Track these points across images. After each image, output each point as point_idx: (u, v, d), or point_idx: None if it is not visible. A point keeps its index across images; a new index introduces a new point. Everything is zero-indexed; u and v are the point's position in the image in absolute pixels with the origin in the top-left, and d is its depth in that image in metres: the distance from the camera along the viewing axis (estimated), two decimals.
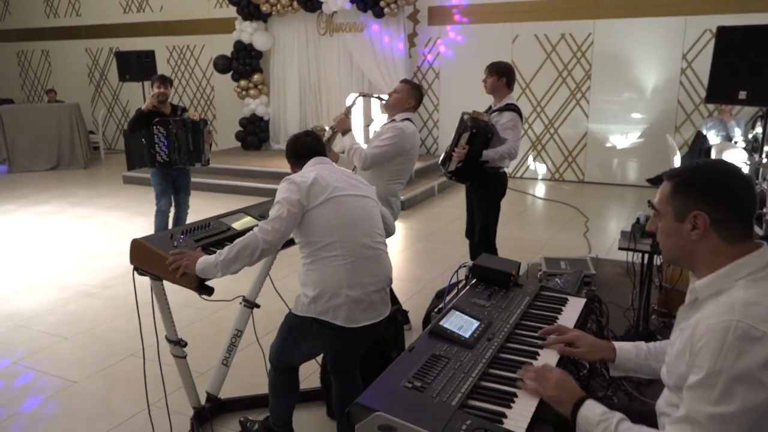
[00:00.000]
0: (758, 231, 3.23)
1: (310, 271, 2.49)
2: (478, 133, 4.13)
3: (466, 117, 4.25)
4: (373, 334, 2.61)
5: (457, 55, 9.49)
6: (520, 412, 1.52)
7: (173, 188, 5.70)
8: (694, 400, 1.40)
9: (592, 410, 1.56)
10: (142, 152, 9.89)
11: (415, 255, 5.99)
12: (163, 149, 5.41)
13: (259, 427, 3.01)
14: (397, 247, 6.19)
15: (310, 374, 3.51)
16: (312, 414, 3.24)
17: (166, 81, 5.57)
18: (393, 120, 3.83)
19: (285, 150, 2.85)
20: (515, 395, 1.60)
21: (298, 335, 2.58)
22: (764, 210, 3.11)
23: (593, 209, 7.46)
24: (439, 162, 4.65)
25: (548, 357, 1.83)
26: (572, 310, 2.16)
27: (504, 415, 1.51)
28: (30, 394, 3.49)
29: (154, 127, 5.34)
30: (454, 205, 7.69)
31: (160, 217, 5.72)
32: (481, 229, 4.51)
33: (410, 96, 3.84)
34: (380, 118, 9.40)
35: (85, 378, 3.67)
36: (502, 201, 4.54)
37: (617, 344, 1.90)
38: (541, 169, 9.40)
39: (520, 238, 6.31)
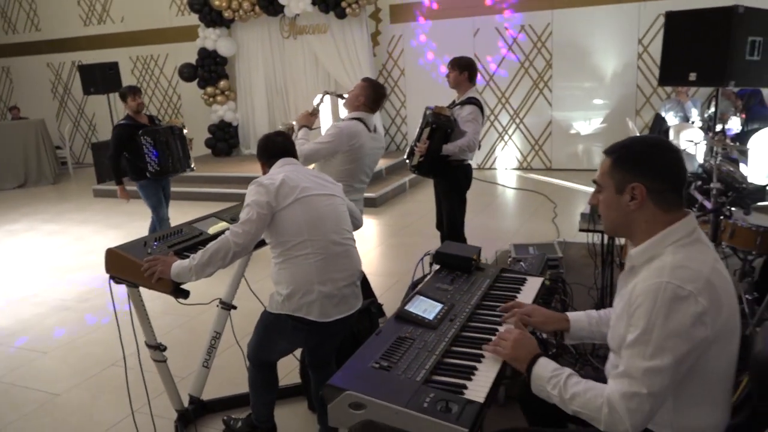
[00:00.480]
0: (707, 204, 3.40)
1: (282, 270, 2.58)
2: (438, 128, 4.24)
3: (428, 112, 4.36)
4: (346, 327, 2.71)
5: (421, 50, 9.60)
6: (480, 383, 1.63)
7: (163, 197, 5.63)
8: (631, 357, 1.54)
9: (544, 368, 1.69)
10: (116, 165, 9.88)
11: (389, 250, 6.10)
12: (153, 159, 5.31)
13: (242, 425, 3.08)
14: (371, 242, 6.29)
15: (290, 371, 3.59)
16: (294, 409, 3.33)
17: (139, 91, 5.52)
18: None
19: (256, 149, 2.90)
20: (476, 369, 1.71)
21: (274, 332, 2.67)
22: (711, 185, 3.29)
23: (561, 195, 7.64)
24: (405, 156, 4.77)
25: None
26: (530, 288, 2.29)
27: (465, 387, 1.62)
28: (12, 410, 3.52)
29: (142, 138, 5.24)
30: (426, 199, 7.81)
31: (167, 225, 5.59)
32: (449, 221, 4.63)
33: (360, 93, 3.81)
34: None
35: (68, 390, 3.70)
36: (470, 192, 4.66)
37: (570, 314, 2.04)
38: (509, 159, 9.57)
39: (490, 228, 6.46)
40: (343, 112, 8.60)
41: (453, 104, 4.62)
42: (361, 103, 3.82)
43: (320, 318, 2.56)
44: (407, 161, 4.69)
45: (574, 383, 1.63)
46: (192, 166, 5.71)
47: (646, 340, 1.52)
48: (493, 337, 1.86)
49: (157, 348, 2.95)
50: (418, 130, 4.52)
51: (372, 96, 3.83)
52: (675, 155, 1.66)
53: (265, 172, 2.82)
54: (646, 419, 1.53)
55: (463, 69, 4.52)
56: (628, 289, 1.64)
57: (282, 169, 2.71)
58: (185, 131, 5.67)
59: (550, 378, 1.67)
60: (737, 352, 1.65)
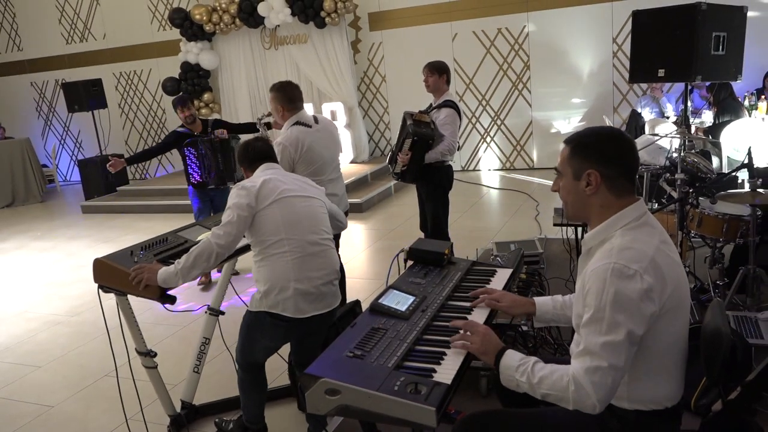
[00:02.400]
0: (673, 194, 3.53)
1: (261, 268, 2.69)
2: (419, 140, 4.33)
3: (409, 122, 4.41)
4: (324, 324, 2.82)
5: (401, 56, 9.73)
6: (448, 366, 1.74)
7: (212, 208, 5.52)
8: (589, 334, 1.66)
9: (512, 358, 1.79)
10: (99, 181, 9.97)
11: (375, 254, 6.21)
12: (195, 170, 5.30)
13: (234, 426, 3.17)
14: (358, 247, 6.40)
15: (280, 374, 3.69)
16: (284, 409, 3.42)
17: (186, 102, 5.34)
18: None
19: (237, 156, 3.02)
20: (444, 354, 1.82)
21: (255, 331, 2.78)
22: (676, 176, 3.42)
23: (543, 193, 7.78)
24: (387, 162, 4.88)
25: (477, 318, 2.07)
26: (500, 279, 2.41)
27: (434, 371, 1.72)
28: (7, 423, 3.58)
29: (185, 149, 5.26)
30: (411, 202, 7.86)
31: None
32: (433, 222, 4.74)
33: (277, 104, 3.76)
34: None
35: (62, 402, 3.77)
36: (454, 193, 4.78)
37: (537, 299, 2.16)
38: (492, 160, 9.71)
39: (474, 228, 6.58)
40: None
41: (430, 107, 4.74)
42: (284, 110, 3.78)
43: (296, 314, 2.66)
44: (389, 166, 4.80)
45: (540, 368, 1.73)
46: (238, 179, 5.32)
47: (599, 317, 1.64)
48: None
49: (147, 354, 3.04)
50: (398, 136, 4.63)
51: (285, 98, 3.76)
52: (627, 144, 1.79)
53: (248, 177, 2.92)
54: (610, 392, 1.64)
55: (442, 72, 4.67)
56: (585, 270, 1.76)
57: (263, 173, 2.84)
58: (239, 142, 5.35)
59: (518, 366, 1.75)
60: (687, 326, 1.78)
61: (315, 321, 2.72)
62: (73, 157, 12.66)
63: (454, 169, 4.75)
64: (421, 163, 4.43)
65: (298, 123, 3.77)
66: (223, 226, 2.62)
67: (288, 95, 3.74)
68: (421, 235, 4.97)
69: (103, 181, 10.01)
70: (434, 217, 4.73)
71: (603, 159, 1.76)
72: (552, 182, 1.96)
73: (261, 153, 2.94)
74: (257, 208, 2.66)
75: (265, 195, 2.68)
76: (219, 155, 5.32)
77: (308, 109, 9.47)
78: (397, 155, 4.51)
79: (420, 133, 4.32)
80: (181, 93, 5.29)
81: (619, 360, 1.62)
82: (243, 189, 2.69)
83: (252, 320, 2.77)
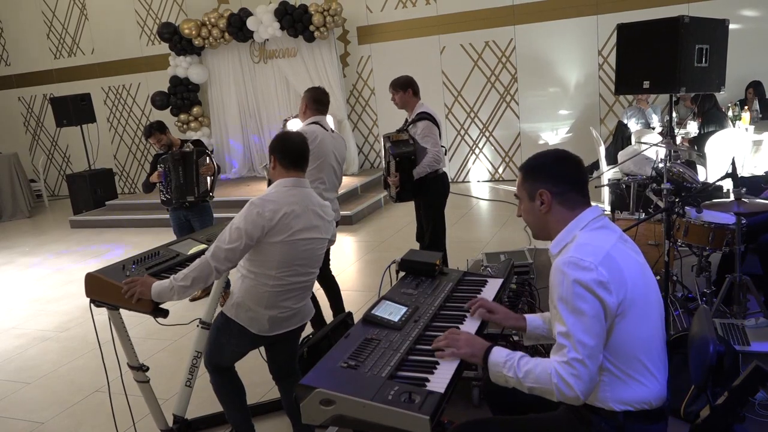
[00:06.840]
0: (660, 204, 3.58)
1: (242, 277, 2.71)
2: (401, 160, 4.42)
3: (388, 145, 4.52)
4: (296, 336, 2.85)
5: (390, 69, 9.80)
6: (441, 376, 1.77)
7: (189, 230, 5.14)
8: (559, 326, 1.75)
9: (498, 355, 1.86)
10: (87, 196, 9.94)
11: (365, 266, 6.22)
12: (164, 186, 5.17)
13: None
14: (349, 259, 6.41)
15: (272, 386, 3.68)
16: (276, 422, 3.43)
17: (150, 132, 5.17)
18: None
19: (274, 143, 2.76)
20: (437, 363, 1.85)
21: (224, 334, 2.79)
22: (662, 185, 3.48)
23: None
24: (384, 187, 4.94)
25: (469, 328, 2.09)
26: (491, 289, 2.45)
27: (427, 380, 1.75)
28: None
29: (159, 165, 5.15)
30: (401, 214, 7.95)
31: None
32: (432, 233, 4.75)
33: (303, 103, 4.12)
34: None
35: (52, 418, 3.75)
36: (447, 202, 4.82)
37: (527, 316, 2.21)
38: (481, 171, 9.78)
39: (465, 239, 6.62)
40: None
41: (406, 123, 4.78)
42: (307, 108, 4.10)
43: (260, 332, 2.71)
44: (387, 191, 4.84)
45: (525, 362, 1.81)
46: (200, 194, 5.17)
47: (564, 308, 1.73)
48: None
49: (139, 369, 3.03)
50: (384, 161, 4.70)
51: (312, 98, 4.10)
52: (570, 162, 1.92)
53: (273, 167, 2.73)
54: (590, 382, 1.72)
55: (406, 87, 4.70)
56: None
57: (288, 197, 2.63)
58: (205, 157, 5.20)
59: (505, 362, 1.83)
60: (660, 325, 1.84)
61: (285, 333, 2.77)
62: (62, 172, 12.60)
63: None
64: (412, 180, 4.49)
65: (316, 123, 4.05)
66: (228, 250, 2.52)
67: (315, 95, 4.11)
68: (415, 246, 4.98)
69: (91, 196, 9.98)
70: (433, 228, 4.74)
71: (549, 178, 1.89)
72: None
73: (300, 155, 2.72)
74: (264, 240, 2.56)
75: (277, 231, 2.56)
76: (180, 168, 5.10)
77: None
78: (388, 180, 4.59)
79: (400, 153, 4.44)
80: (150, 122, 4.97)
81: (593, 348, 1.70)
82: (261, 217, 2.52)
83: (222, 323, 2.78)
